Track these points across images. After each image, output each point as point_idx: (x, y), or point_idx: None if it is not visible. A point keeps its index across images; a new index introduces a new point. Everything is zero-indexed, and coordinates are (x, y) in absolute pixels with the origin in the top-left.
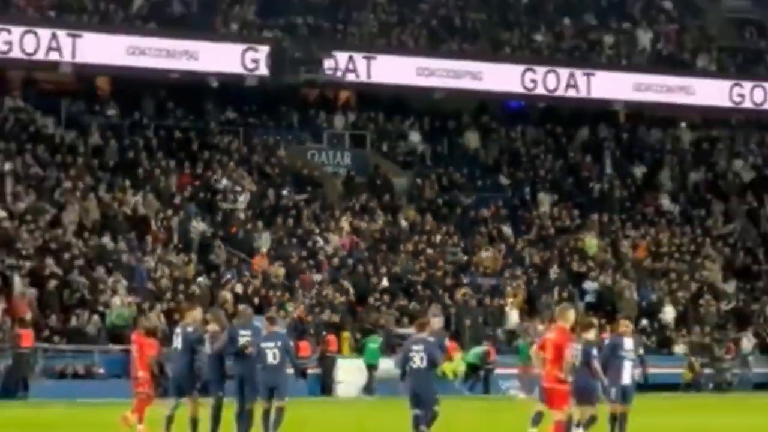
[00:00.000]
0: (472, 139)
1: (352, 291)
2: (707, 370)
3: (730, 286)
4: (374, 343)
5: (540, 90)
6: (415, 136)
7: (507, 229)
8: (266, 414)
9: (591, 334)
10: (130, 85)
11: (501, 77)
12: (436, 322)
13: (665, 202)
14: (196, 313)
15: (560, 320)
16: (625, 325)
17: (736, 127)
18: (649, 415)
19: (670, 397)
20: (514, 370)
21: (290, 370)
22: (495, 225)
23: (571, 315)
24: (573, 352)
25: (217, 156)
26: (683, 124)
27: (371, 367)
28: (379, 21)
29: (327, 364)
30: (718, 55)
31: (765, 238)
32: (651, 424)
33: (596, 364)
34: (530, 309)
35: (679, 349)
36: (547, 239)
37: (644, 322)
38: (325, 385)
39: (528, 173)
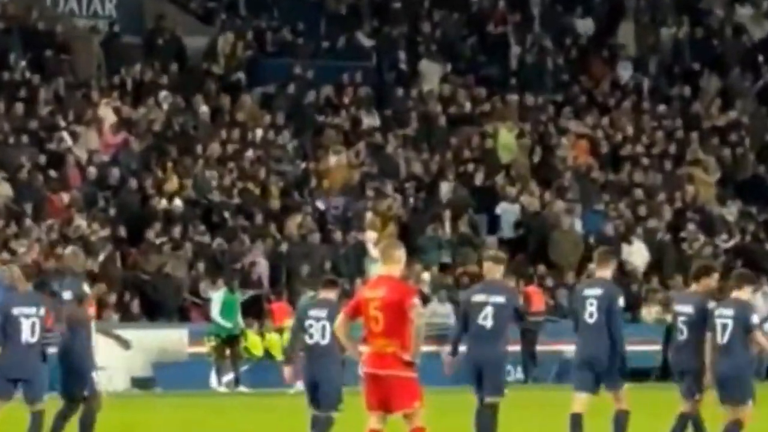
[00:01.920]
0: None
1: (119, 220)
2: None
3: (731, 211)
4: None
5: None
6: None
7: (370, 119)
8: None
9: (746, 293)
10: None
11: None
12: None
13: (624, 72)
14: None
15: (389, 262)
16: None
17: None
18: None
19: (643, 387)
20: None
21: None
22: (351, 111)
23: (402, 254)
24: (423, 314)
25: None
26: None
27: None
28: None
29: None
30: None
31: None
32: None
33: (761, 337)
34: (409, 248)
35: (650, 314)
36: (435, 133)
37: (592, 266)
38: None
39: (402, 27)
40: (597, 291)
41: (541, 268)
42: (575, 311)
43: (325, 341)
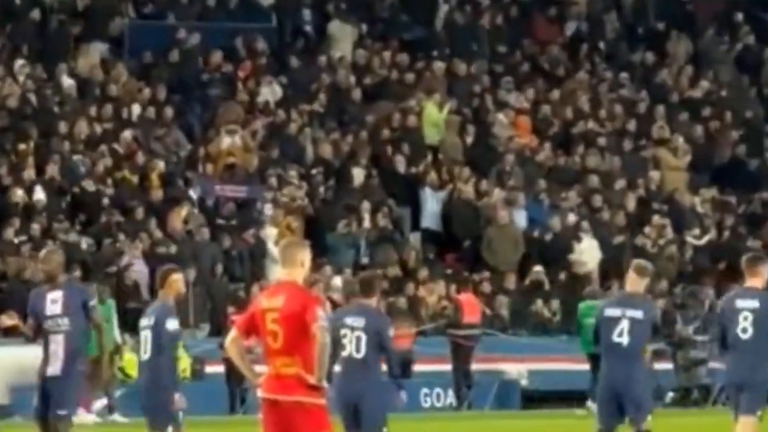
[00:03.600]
0: None
1: None
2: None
3: (705, 201)
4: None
5: None
6: None
7: (270, 92)
8: None
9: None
10: None
11: None
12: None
13: (575, 34)
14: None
15: (289, 265)
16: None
17: None
18: None
19: None
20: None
21: None
22: (248, 84)
23: (306, 255)
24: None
25: None
26: None
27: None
28: None
29: None
30: None
31: None
32: None
33: None
34: (318, 247)
35: None
36: (348, 109)
37: (537, 269)
38: None
39: None
40: (753, 303)
41: (480, 271)
42: (723, 325)
43: (361, 353)
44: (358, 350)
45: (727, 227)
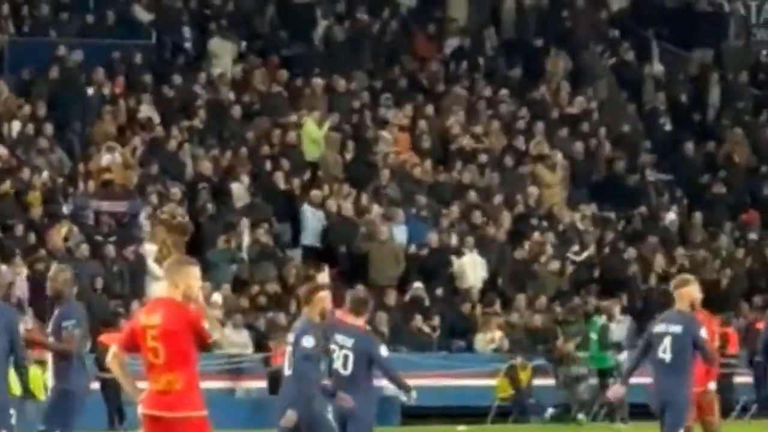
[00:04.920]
0: None
1: None
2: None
3: (584, 217)
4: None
5: None
6: None
7: (148, 106)
8: None
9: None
10: None
11: None
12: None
13: (455, 50)
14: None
15: (167, 283)
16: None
17: None
18: None
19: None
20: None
21: None
22: (128, 100)
23: (182, 275)
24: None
25: None
26: None
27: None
28: None
29: None
30: None
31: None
32: None
33: None
34: (202, 261)
35: (484, 341)
36: (226, 123)
37: (417, 285)
38: None
39: None
40: None
41: (357, 287)
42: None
43: (348, 371)
44: (345, 367)
45: (606, 243)
